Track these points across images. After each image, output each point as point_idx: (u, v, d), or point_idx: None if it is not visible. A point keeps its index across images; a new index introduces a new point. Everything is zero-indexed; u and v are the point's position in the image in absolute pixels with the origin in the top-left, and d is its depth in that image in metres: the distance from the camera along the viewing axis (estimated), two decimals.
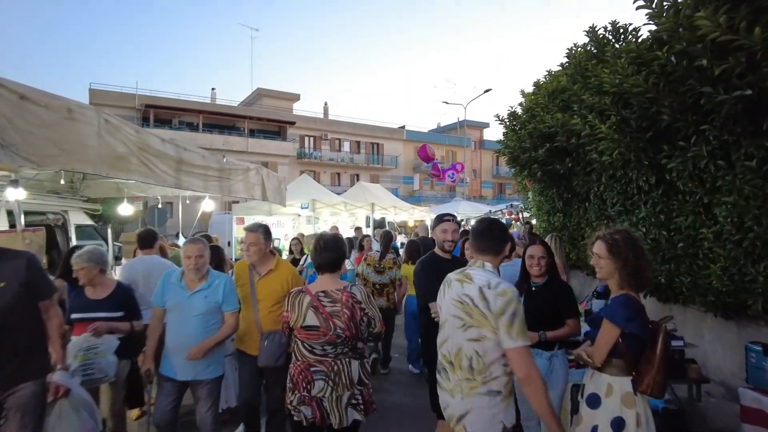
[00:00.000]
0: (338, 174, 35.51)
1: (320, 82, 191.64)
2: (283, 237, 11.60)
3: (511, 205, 6.66)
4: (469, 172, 36.29)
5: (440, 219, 3.16)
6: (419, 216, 14.86)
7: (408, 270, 5.50)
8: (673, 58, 2.93)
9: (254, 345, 3.34)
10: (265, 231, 3.47)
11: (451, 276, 2.30)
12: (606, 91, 3.95)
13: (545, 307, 2.80)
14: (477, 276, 2.16)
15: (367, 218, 12.92)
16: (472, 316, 2.08)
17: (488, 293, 2.05)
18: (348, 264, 5.61)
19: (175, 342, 3.16)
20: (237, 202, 13.75)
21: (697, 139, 3.22)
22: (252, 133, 32.15)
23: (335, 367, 2.43)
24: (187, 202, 7.32)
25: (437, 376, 2.30)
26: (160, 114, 29.82)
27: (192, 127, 30.63)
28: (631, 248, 2.17)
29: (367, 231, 13.93)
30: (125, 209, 6.64)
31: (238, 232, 11.17)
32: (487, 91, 20.48)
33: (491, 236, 2.25)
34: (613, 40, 5.02)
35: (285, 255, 11.14)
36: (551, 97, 5.48)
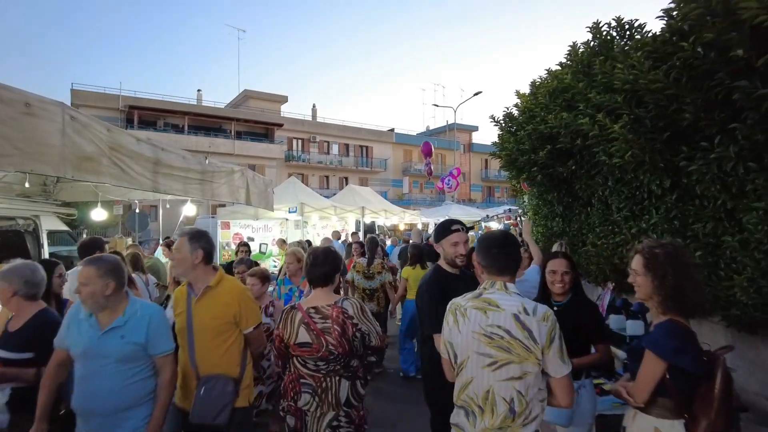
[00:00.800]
0: (327, 177, 35.12)
1: (308, 84, 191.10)
2: (270, 242, 11.20)
3: (510, 210, 6.38)
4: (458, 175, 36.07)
5: (447, 229, 2.63)
6: (410, 219, 14.57)
7: (409, 272, 5.61)
8: (700, 50, 2.66)
9: (189, 396, 2.52)
10: (192, 236, 2.60)
11: (463, 303, 1.97)
12: (617, 88, 3.68)
13: (570, 330, 2.42)
14: (503, 301, 1.86)
15: (357, 222, 12.59)
16: (512, 351, 1.78)
17: (529, 321, 1.78)
18: None
19: (84, 403, 2.27)
20: (223, 205, 13.31)
21: (721, 140, 2.95)
22: (239, 136, 31.64)
23: (323, 384, 2.38)
24: (167, 206, 6.94)
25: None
26: (144, 116, 29.18)
27: (177, 129, 30.07)
28: (673, 265, 1.83)
29: (358, 235, 13.60)
30: (99, 214, 6.24)
31: (223, 237, 10.76)
32: (477, 93, 20.32)
33: (509, 253, 1.97)
34: (618, 37, 4.79)
35: (273, 262, 10.80)
36: (552, 97, 5.21)
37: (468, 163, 42.67)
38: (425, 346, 2.64)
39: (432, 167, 14.35)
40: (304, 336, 2.38)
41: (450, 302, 2.06)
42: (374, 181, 36.05)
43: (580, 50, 5.08)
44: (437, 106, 30.99)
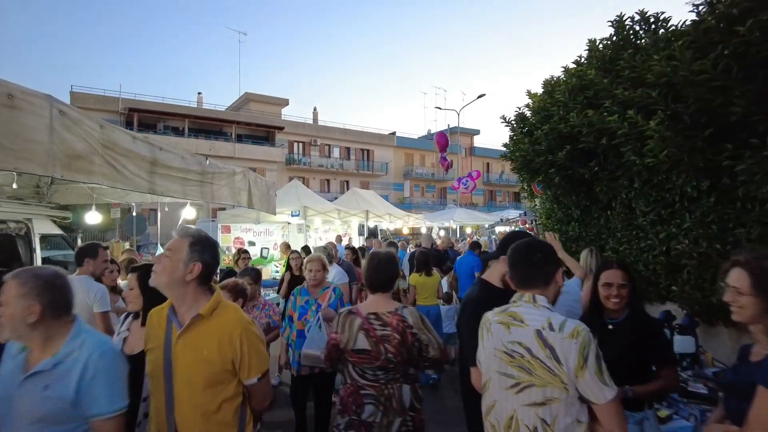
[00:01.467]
0: (327, 180, 34.88)
1: (309, 88, 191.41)
2: (272, 246, 10.92)
3: (524, 213, 6.10)
4: (454, 183, 35.84)
5: (514, 241, 2.01)
6: (414, 224, 14.28)
7: (416, 279, 5.90)
8: (758, 34, 2.39)
9: None
10: (196, 241, 1.86)
11: (490, 316, 1.76)
12: (650, 82, 3.41)
13: (629, 353, 2.09)
14: (529, 315, 1.62)
15: (361, 226, 12.31)
16: (533, 372, 1.54)
17: (552, 338, 1.53)
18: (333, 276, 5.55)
19: None
20: (224, 209, 13.05)
21: None
22: (239, 139, 31.42)
23: (386, 392, 2.28)
24: (166, 209, 6.65)
25: None
26: (144, 118, 28.99)
27: (177, 132, 29.86)
28: None
29: (360, 240, 13.34)
30: (93, 217, 5.97)
31: (224, 242, 10.47)
32: (480, 96, 20.08)
33: (534, 261, 1.75)
34: (641, 31, 4.52)
35: (275, 267, 10.52)
36: (572, 95, 4.94)
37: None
38: (463, 377, 2.27)
39: (449, 161, 13.59)
40: (363, 342, 2.29)
41: (483, 316, 1.84)
42: (375, 184, 35.81)
43: (600, 46, 4.81)
44: (440, 108, 30.79)
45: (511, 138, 7.33)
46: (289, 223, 11.38)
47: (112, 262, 4.03)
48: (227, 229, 10.53)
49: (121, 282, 4.19)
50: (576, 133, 4.83)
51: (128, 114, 28.12)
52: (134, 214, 8.54)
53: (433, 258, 7.77)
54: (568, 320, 1.58)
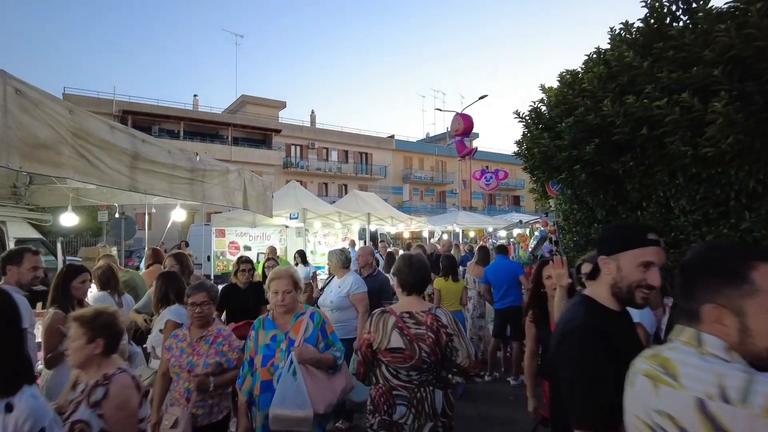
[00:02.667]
0: (326, 184, 34.37)
1: (307, 90, 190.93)
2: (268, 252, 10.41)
3: (546, 215, 5.64)
4: (459, 183, 35.51)
5: (637, 237, 1.49)
6: (416, 227, 13.79)
7: (442, 284, 5.77)
8: None
9: None
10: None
11: (637, 363, 1.16)
12: (709, 60, 2.94)
13: None
14: (689, 369, 1.02)
15: (362, 230, 11.81)
16: None
17: (727, 415, 0.93)
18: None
19: None
20: (219, 212, 12.53)
21: None
22: (236, 141, 30.93)
23: (418, 395, 2.27)
24: (153, 210, 6.14)
25: None
26: (138, 120, 28.44)
27: (173, 135, 29.34)
28: None
29: (360, 244, 12.85)
30: (69, 219, 5.45)
31: (218, 246, 9.96)
32: (482, 97, 19.64)
33: (715, 271, 1.10)
34: (680, 12, 4.06)
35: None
36: (602, 83, 4.47)
37: (468, 170, 41.90)
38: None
39: (473, 149, 11.88)
40: (397, 341, 2.28)
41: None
42: (374, 188, 35.33)
43: (633, 28, 4.35)
44: (440, 110, 30.31)
45: (524, 135, 6.87)
46: (287, 227, 10.88)
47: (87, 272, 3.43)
48: (221, 233, 10.02)
49: (92, 294, 3.63)
50: (607, 125, 4.36)
51: (122, 116, 27.57)
52: (117, 215, 8.00)
53: (433, 264, 7.32)
54: (754, 381, 0.94)
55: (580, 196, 5.93)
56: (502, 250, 6.53)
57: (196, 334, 2.87)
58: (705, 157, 3.17)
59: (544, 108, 6.51)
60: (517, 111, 6.88)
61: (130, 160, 3.69)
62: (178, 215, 6.09)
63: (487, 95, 19.79)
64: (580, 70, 5.59)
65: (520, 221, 7.06)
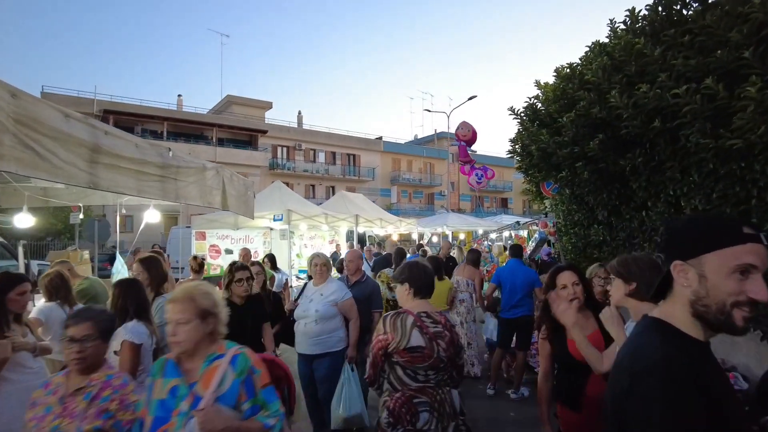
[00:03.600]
0: (313, 186, 33.89)
1: (293, 91, 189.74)
2: (252, 255, 9.97)
3: (546, 215, 5.32)
4: (447, 185, 35.33)
5: (731, 232, 1.07)
6: (405, 229, 13.45)
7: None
8: None
9: None
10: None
11: None
12: (736, 42, 2.65)
13: None
14: None
15: (349, 232, 11.43)
16: None
17: None
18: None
19: None
20: (201, 214, 12.06)
21: None
22: (221, 142, 30.32)
23: (438, 397, 2.29)
24: (123, 211, 5.70)
25: None
26: (120, 121, 27.70)
27: (156, 135, 28.65)
28: None
29: (346, 247, 12.50)
30: (23, 220, 4.99)
31: (198, 249, 9.50)
32: (472, 97, 19.43)
33: None
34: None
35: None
36: (606, 73, 4.18)
37: (457, 172, 41.82)
38: None
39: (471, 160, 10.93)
40: (417, 339, 2.28)
41: None
42: (362, 190, 34.95)
43: (640, 15, 4.07)
44: (429, 111, 30.08)
45: (520, 132, 6.58)
46: (271, 229, 10.46)
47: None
48: (202, 236, 9.56)
49: (38, 305, 3.18)
50: (613, 119, 4.07)
51: (104, 116, 26.81)
52: (81, 216, 7.48)
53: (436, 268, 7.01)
54: None
55: (580, 196, 5.65)
56: (518, 251, 5.76)
57: (73, 383, 1.98)
58: (728, 150, 2.87)
59: (540, 105, 6.24)
60: (511, 107, 6.59)
61: (89, 153, 3.28)
62: (152, 216, 5.66)
63: (476, 96, 19.58)
64: (579, 63, 5.31)
65: (518, 222, 6.73)
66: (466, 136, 6.98)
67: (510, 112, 6.58)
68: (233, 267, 3.99)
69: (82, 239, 8.66)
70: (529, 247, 6.02)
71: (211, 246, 9.57)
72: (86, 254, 7.28)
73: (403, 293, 2.46)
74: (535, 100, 6.44)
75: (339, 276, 5.13)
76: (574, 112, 4.60)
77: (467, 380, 5.92)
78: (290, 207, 8.24)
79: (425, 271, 2.50)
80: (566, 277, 2.38)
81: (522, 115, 6.50)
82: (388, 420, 2.25)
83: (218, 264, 9.59)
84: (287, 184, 31.13)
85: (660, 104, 3.22)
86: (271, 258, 6.40)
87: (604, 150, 4.28)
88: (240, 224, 9.01)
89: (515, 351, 5.43)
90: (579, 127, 4.55)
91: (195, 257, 7.73)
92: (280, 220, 8.07)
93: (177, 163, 4.58)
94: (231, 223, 8.92)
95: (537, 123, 5.91)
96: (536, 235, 5.64)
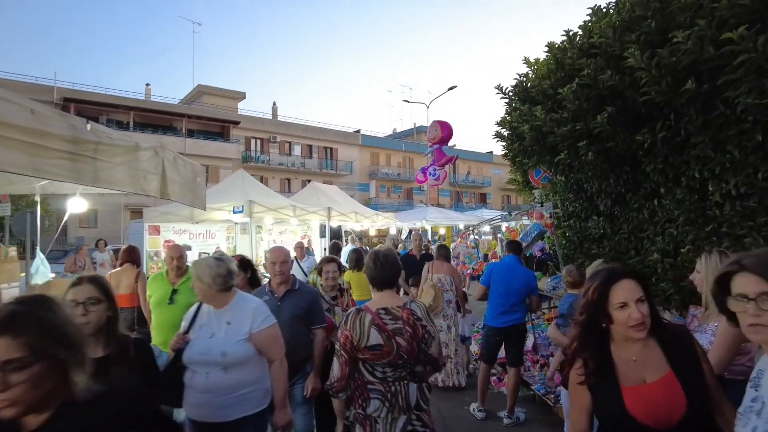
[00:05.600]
0: (288, 180, 32.82)
1: (268, 83, 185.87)
2: (212, 251, 9.07)
3: (542, 205, 4.63)
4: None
5: None
6: (383, 224, 12.70)
7: (350, 276, 5.70)
8: None
9: None
10: None
11: None
12: None
13: None
14: None
15: (322, 227, 10.61)
16: None
17: None
18: None
19: None
20: (168, 205, 11.05)
21: None
22: (191, 134, 29.02)
23: (392, 389, 2.26)
24: (36, 198, 4.79)
25: None
26: (83, 110, 26.15)
27: (122, 126, 27.22)
28: None
29: (323, 243, 11.72)
30: None
31: (152, 246, 8.56)
32: (452, 88, 18.78)
33: None
34: None
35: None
36: (617, 34, 3.49)
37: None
38: None
39: (452, 157, 9.55)
40: (375, 338, 2.23)
41: None
42: (340, 184, 33.94)
43: None
44: (408, 102, 29.30)
45: (508, 114, 5.89)
46: (236, 224, 9.58)
47: None
48: (155, 230, 8.62)
49: None
50: (626, 87, 3.38)
51: (64, 105, 25.33)
52: (9, 207, 6.48)
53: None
54: None
55: (578, 183, 4.97)
56: (516, 247, 4.95)
57: None
58: None
59: (530, 84, 5.55)
60: (498, 86, 5.89)
61: None
62: (77, 206, 4.77)
63: (456, 86, 18.94)
64: (577, 31, 4.62)
65: (509, 212, 6.05)
66: (435, 137, 6.20)
67: (497, 91, 5.87)
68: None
69: (12, 234, 7.64)
70: (523, 242, 5.32)
71: (166, 242, 8.61)
72: (12, 251, 6.32)
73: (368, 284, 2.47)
74: (525, 80, 5.76)
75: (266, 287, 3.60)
76: (575, 83, 3.91)
77: (451, 393, 5.23)
78: (252, 198, 7.37)
79: (379, 262, 2.42)
80: (627, 291, 1.56)
81: (510, 93, 5.81)
82: (345, 404, 2.32)
83: None
84: (261, 177, 30.23)
85: (700, 57, 2.53)
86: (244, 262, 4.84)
87: (613, 125, 3.59)
88: (198, 217, 8.10)
89: (507, 367, 4.65)
90: (582, 99, 3.85)
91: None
92: (241, 212, 7.21)
93: (97, 139, 3.71)
94: (186, 215, 8.00)
95: (528, 103, 5.22)
96: (530, 228, 4.96)
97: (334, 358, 2.30)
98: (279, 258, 3.28)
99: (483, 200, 44.30)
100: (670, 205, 3.70)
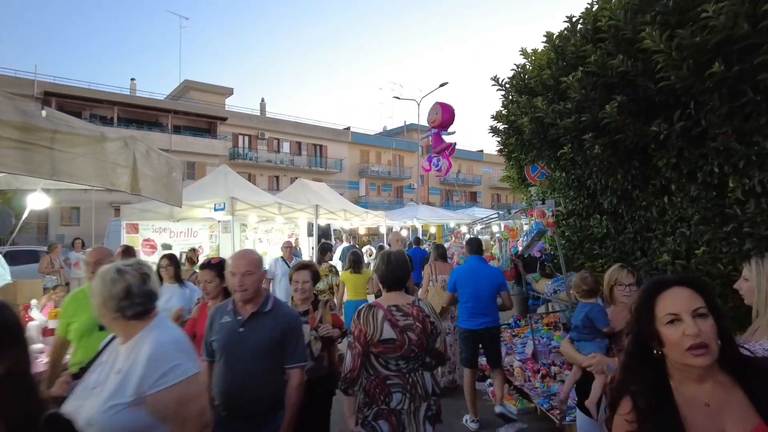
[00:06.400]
0: (277, 177, 32.30)
1: (256, 79, 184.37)
2: (198, 253, 8.68)
3: (543, 202, 4.32)
4: (416, 178, 34.49)
5: None
6: (373, 222, 12.36)
7: (346, 277, 5.92)
8: None
9: None
10: None
11: None
12: None
13: None
14: None
15: (309, 225, 10.25)
16: None
17: None
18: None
19: None
20: (129, 203, 10.61)
21: None
22: (177, 130, 28.42)
23: (410, 379, 2.39)
24: None
25: None
26: (65, 104, 25.46)
27: (105, 121, 26.59)
28: None
29: (310, 242, 11.37)
30: None
31: (131, 244, 8.13)
32: (443, 84, 18.50)
33: None
34: None
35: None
36: (628, 15, 3.19)
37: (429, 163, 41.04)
38: None
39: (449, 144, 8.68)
40: (389, 332, 2.36)
41: None
42: (329, 182, 33.52)
43: None
44: (398, 98, 28.90)
45: (504, 106, 5.61)
46: (219, 222, 9.18)
47: None
48: (134, 228, 8.19)
49: None
50: (639, 73, 3.09)
51: (45, 98, 24.60)
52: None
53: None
54: None
55: (579, 179, 4.69)
56: (477, 246, 4.74)
57: None
58: None
59: (528, 76, 5.27)
60: (495, 77, 5.59)
61: None
62: (38, 202, 4.38)
63: (447, 83, 18.65)
64: (580, 16, 4.32)
65: (509, 210, 5.72)
66: (435, 120, 5.71)
67: (493, 82, 5.57)
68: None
69: None
70: (522, 241, 5.02)
71: (145, 240, 8.21)
72: None
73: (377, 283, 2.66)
74: (522, 71, 5.47)
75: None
76: (581, 71, 3.61)
77: (446, 400, 4.94)
78: (235, 194, 6.99)
79: (390, 264, 2.52)
80: (678, 300, 1.19)
81: (507, 85, 5.51)
82: (365, 400, 2.38)
83: (153, 261, 8.24)
84: (249, 174, 29.70)
85: (731, 35, 2.23)
86: (171, 260, 4.35)
87: (623, 116, 3.30)
88: (178, 215, 7.70)
89: (490, 372, 4.51)
90: (588, 88, 3.56)
91: (194, 249, 7.38)
92: (222, 209, 6.83)
93: (54, 127, 3.35)
94: (166, 213, 7.59)
95: (526, 95, 4.93)
96: (531, 227, 4.66)
97: (347, 350, 2.40)
98: (240, 268, 2.41)
99: (473, 199, 44.14)
100: (683, 203, 3.43)
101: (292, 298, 3.48)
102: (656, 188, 3.75)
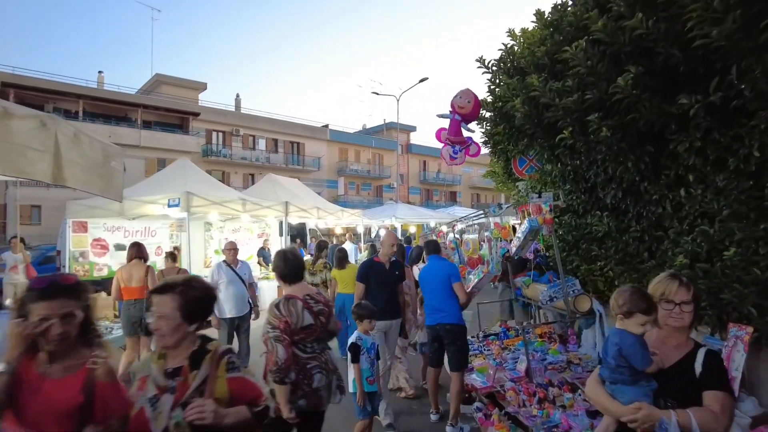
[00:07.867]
0: (252, 175, 31.28)
1: (231, 74, 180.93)
2: (154, 251, 7.90)
3: (539, 196, 3.80)
4: (396, 177, 33.98)
5: None
6: (349, 221, 11.72)
7: (336, 273, 6.23)
8: None
9: None
10: None
11: None
12: None
13: None
14: None
15: (281, 224, 9.55)
16: None
17: None
18: None
19: None
20: (76, 199, 9.73)
21: None
22: (147, 125, 27.23)
23: (323, 358, 2.77)
24: None
25: None
26: (25, 97, 24.05)
27: (70, 115, 25.24)
28: None
29: (282, 242, 10.68)
30: None
31: (77, 245, 7.34)
32: (423, 80, 17.98)
33: None
34: None
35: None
36: None
37: (406, 164, 40.63)
38: None
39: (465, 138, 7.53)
40: (308, 319, 2.68)
41: None
42: (306, 181, 32.73)
43: None
44: (377, 94, 28.28)
45: (490, 91, 5.07)
46: (176, 219, 8.41)
47: None
48: (82, 227, 7.38)
49: None
50: (661, 36, 2.56)
51: (2, 90, 23.20)
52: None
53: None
54: None
55: (576, 171, 4.16)
56: (435, 247, 4.79)
57: None
58: None
59: (519, 55, 4.74)
60: (480, 58, 5.04)
61: None
62: None
63: (427, 78, 18.13)
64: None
65: (500, 205, 5.18)
66: (464, 109, 4.58)
67: (479, 64, 5.02)
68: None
69: None
70: (516, 240, 4.47)
71: (95, 240, 7.42)
72: None
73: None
74: (510, 52, 4.94)
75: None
76: (585, 41, 3.06)
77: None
78: (191, 189, 6.26)
79: (287, 260, 2.86)
80: None
81: (494, 67, 4.97)
82: (290, 388, 2.57)
83: (105, 263, 7.47)
84: (223, 172, 28.69)
85: None
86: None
87: (638, 89, 2.76)
88: (129, 212, 6.92)
89: (450, 373, 4.20)
90: (595, 60, 3.01)
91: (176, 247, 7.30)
92: (177, 205, 6.11)
93: None
94: (116, 209, 6.80)
95: (517, 76, 4.38)
96: (524, 225, 4.12)
97: (277, 344, 2.52)
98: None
99: (453, 198, 43.86)
100: (706, 196, 2.91)
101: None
102: (670, 179, 3.23)
